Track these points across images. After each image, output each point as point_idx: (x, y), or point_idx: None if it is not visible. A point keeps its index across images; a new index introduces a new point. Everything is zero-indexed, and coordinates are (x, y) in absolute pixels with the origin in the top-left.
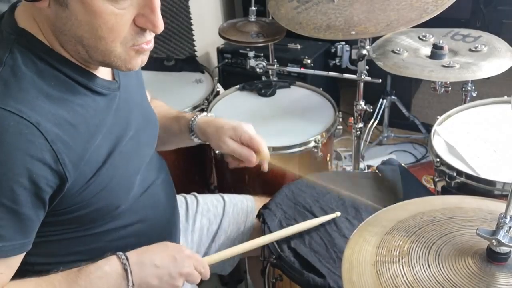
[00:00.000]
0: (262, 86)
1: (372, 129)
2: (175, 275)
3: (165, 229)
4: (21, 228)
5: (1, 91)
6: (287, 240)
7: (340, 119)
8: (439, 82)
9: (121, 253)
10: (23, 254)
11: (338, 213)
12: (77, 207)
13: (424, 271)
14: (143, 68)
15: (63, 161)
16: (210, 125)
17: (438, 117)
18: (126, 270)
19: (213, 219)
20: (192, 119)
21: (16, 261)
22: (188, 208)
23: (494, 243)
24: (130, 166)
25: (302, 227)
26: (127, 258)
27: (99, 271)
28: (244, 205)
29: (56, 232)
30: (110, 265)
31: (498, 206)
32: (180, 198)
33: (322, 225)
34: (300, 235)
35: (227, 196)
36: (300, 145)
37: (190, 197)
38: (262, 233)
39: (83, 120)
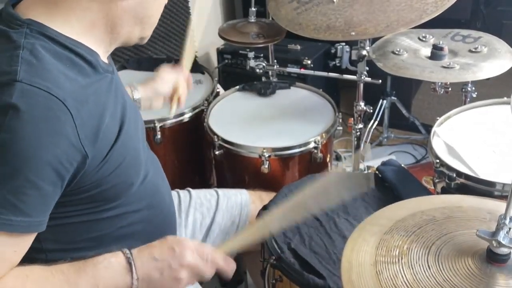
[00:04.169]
0: (262, 87)
1: (372, 130)
2: (176, 266)
3: (166, 218)
4: (40, 205)
5: (26, 70)
6: (287, 241)
7: (340, 120)
8: (439, 83)
9: (125, 249)
10: (35, 235)
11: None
12: (96, 184)
13: (424, 271)
14: (143, 69)
15: (83, 138)
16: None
17: (438, 118)
18: (130, 264)
19: (206, 213)
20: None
21: (28, 240)
22: (181, 203)
23: (494, 244)
24: (135, 145)
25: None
26: (131, 253)
27: (105, 261)
28: (238, 198)
29: (73, 213)
30: (115, 257)
31: (497, 205)
32: (173, 193)
33: (322, 225)
34: (300, 235)
35: (221, 190)
36: (300, 146)
37: (183, 192)
38: None
39: (94, 100)
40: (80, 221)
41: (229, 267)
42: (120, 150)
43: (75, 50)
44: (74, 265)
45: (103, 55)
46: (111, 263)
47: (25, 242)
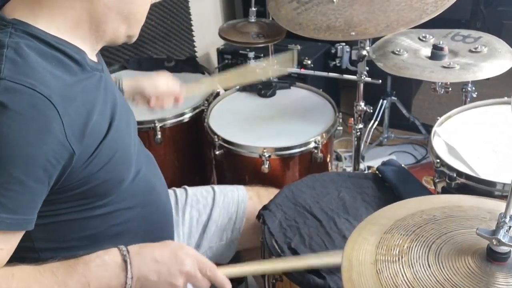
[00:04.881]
0: (262, 87)
1: (372, 130)
2: (175, 272)
3: (163, 216)
4: (27, 202)
5: (10, 68)
6: (287, 241)
7: (340, 120)
8: (439, 83)
9: (122, 246)
10: (23, 233)
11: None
12: (85, 181)
13: (424, 270)
14: (143, 69)
15: (69, 135)
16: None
17: (438, 118)
18: (126, 262)
19: (202, 210)
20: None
21: (16, 238)
22: (178, 201)
23: (494, 243)
24: (126, 142)
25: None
26: (127, 251)
27: (98, 260)
28: (235, 195)
29: (64, 211)
30: (109, 255)
31: (496, 205)
32: (170, 192)
33: (322, 225)
34: (300, 235)
35: (217, 187)
36: (300, 146)
37: (179, 190)
38: (262, 233)
39: (81, 97)
40: (72, 219)
41: (218, 283)
42: (110, 146)
43: (61, 48)
44: (64, 264)
45: (91, 53)
46: (104, 261)
47: (12, 240)
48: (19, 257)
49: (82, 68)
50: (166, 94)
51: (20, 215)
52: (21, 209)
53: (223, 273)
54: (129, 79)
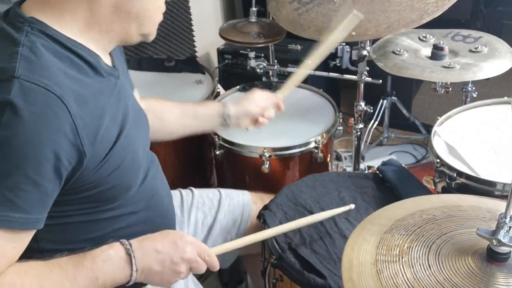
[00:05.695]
0: (263, 87)
1: (372, 129)
2: (177, 260)
3: (165, 219)
4: (39, 202)
5: (25, 67)
6: (288, 241)
7: (341, 120)
8: (440, 83)
9: (124, 240)
10: (34, 232)
11: (352, 206)
12: (94, 184)
13: (424, 270)
14: (143, 69)
15: (82, 136)
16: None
17: (439, 117)
18: (129, 255)
19: (208, 212)
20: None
21: (27, 237)
22: (183, 202)
23: (495, 243)
24: (135, 149)
25: (315, 219)
26: (130, 244)
27: (103, 254)
28: (240, 199)
29: (72, 213)
30: (114, 249)
31: (496, 204)
32: (175, 193)
33: (323, 225)
34: (300, 235)
35: (223, 190)
36: (300, 145)
37: (185, 191)
38: None
39: (94, 100)
40: (78, 221)
41: (215, 267)
42: (119, 153)
43: (75, 50)
44: (72, 259)
45: (104, 55)
46: (109, 255)
47: (24, 238)
48: (23, 256)
49: (96, 72)
50: (268, 106)
51: (32, 215)
52: (33, 208)
53: (215, 252)
54: (232, 105)
